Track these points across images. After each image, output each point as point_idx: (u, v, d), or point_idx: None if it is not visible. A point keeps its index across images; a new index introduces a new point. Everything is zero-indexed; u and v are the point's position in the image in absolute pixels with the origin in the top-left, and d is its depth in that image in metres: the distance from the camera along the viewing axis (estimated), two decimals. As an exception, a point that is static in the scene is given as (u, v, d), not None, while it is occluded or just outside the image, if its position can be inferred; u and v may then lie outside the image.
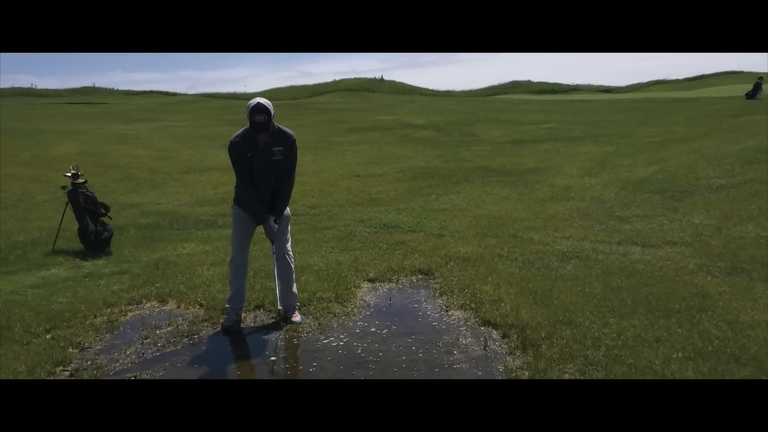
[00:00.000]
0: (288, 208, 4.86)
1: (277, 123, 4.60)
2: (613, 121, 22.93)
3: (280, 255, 4.86)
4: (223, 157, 15.74)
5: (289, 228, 4.96)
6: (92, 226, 7.10)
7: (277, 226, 4.71)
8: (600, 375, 3.61)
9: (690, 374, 3.52)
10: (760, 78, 30.87)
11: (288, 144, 4.60)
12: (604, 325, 4.33)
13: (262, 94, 54.01)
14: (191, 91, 55.16)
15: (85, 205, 7.17)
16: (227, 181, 12.80)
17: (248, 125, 4.48)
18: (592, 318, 4.48)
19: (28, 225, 8.80)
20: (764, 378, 3.44)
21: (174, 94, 54.51)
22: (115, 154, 15.10)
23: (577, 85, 58.57)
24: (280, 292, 4.90)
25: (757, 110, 21.11)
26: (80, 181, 7.30)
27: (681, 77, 57.81)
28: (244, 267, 4.94)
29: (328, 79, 71.18)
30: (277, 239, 4.78)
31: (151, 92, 55.77)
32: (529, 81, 59.88)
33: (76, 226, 7.72)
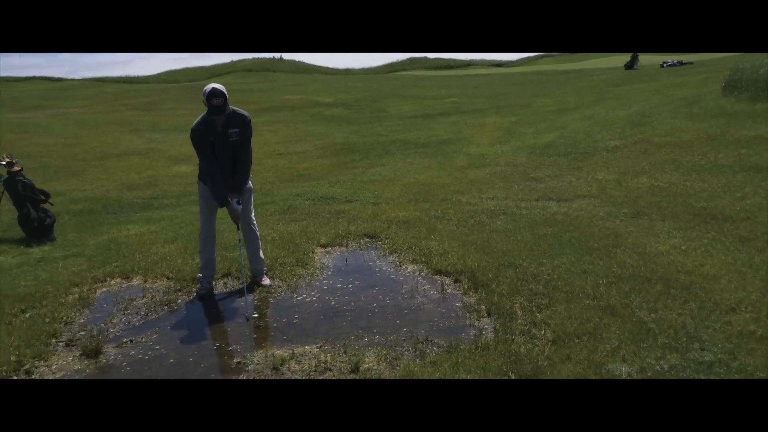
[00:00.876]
0: (250, 182, 5.23)
1: (232, 107, 4.87)
2: (511, 93, 24.34)
3: (246, 224, 5.23)
4: (139, 143, 15.57)
5: (252, 199, 5.34)
6: (34, 213, 7.06)
7: (240, 206, 5.05)
8: (544, 302, 4.33)
9: (614, 293, 4.32)
10: (637, 49, 33.55)
11: (243, 124, 4.94)
12: (540, 264, 5.08)
13: (156, 76, 52.36)
14: (73, 76, 52.15)
15: (24, 192, 7.11)
16: (149, 166, 12.74)
17: (205, 111, 4.77)
18: (528, 260, 5.22)
19: (-51, 218, 8.48)
20: (674, 291, 4.30)
21: (59, 80, 51.36)
22: (21, 143, 14.43)
23: (471, 60, 60.62)
24: (249, 259, 5.30)
25: (636, 79, 23.21)
26: (16, 168, 7.21)
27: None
28: (213, 237, 5.27)
29: (221, 59, 69.24)
30: (243, 212, 5.14)
31: (34, 78, 52.29)
32: (426, 57, 61.26)
33: (8, 216, 7.64)
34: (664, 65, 29.65)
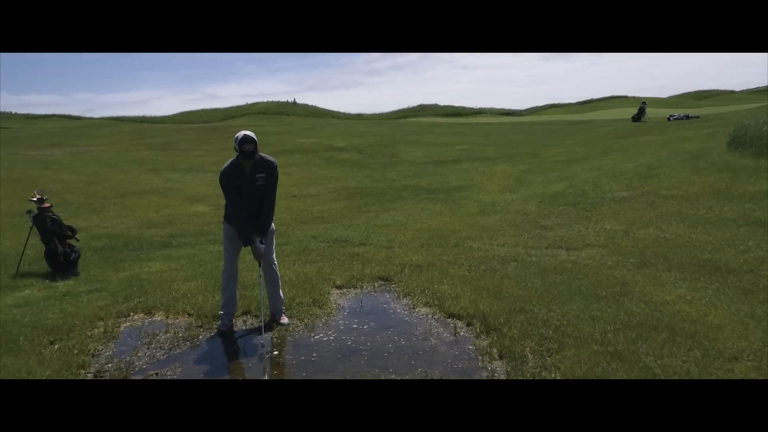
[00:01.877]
0: (273, 224, 5.50)
1: (261, 152, 5.18)
2: (521, 142, 24.80)
3: (267, 264, 5.47)
4: (157, 182, 15.96)
5: (273, 240, 5.60)
6: (60, 249, 7.34)
7: (263, 246, 5.31)
8: (554, 347, 4.51)
9: (621, 340, 4.50)
10: (644, 102, 34.28)
11: (270, 170, 5.23)
12: (549, 311, 5.27)
13: (171, 117, 53.41)
14: (90, 114, 53.40)
15: (52, 228, 7.40)
16: (167, 205, 13.07)
17: (235, 156, 5.07)
18: (538, 306, 5.41)
19: (-24, 251, 8.78)
20: (679, 339, 4.48)
21: (77, 118, 52.62)
22: (44, 180, 14.87)
23: (480, 108, 61.59)
24: (269, 297, 5.53)
25: (644, 131, 23.64)
26: (46, 205, 7.53)
27: (573, 101, 62.27)
28: (235, 276, 5.52)
29: (235, 102, 70.73)
30: (264, 254, 5.40)
31: (53, 116, 53.62)
32: (436, 105, 62.36)
33: (32, 250, 7.91)
34: (671, 118, 30.16)
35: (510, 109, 62.04)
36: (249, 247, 5.31)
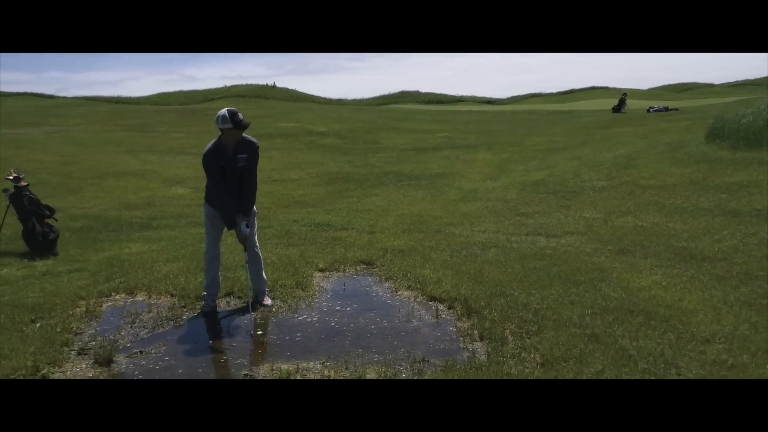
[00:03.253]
0: (255, 207, 5.50)
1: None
2: (502, 130, 24.93)
3: (250, 246, 5.47)
4: (135, 164, 15.78)
5: (255, 223, 5.61)
6: (39, 228, 7.26)
7: (248, 230, 5.31)
8: (534, 329, 4.60)
9: (599, 323, 4.61)
10: (624, 94, 34.65)
11: (252, 151, 5.23)
12: (529, 295, 5.36)
13: (147, 98, 52.65)
14: (63, 93, 52.26)
15: (29, 207, 7.31)
16: (146, 187, 12.95)
17: (217, 137, 5.07)
18: (518, 290, 5.50)
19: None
20: (654, 323, 4.60)
21: (50, 97, 51.49)
22: (18, 159, 14.56)
23: (462, 96, 61.58)
24: (252, 279, 5.55)
25: (623, 122, 23.93)
26: (23, 183, 7.43)
27: (554, 91, 62.60)
28: (218, 257, 5.52)
29: (214, 84, 69.88)
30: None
31: (24, 94, 52.40)
32: (418, 91, 62.16)
33: (8, 229, 7.81)
34: (651, 110, 30.50)
35: (491, 98, 62.14)
36: (232, 230, 5.30)
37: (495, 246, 7.28)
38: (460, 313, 5.14)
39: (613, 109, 32.39)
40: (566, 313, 4.86)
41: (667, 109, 30.72)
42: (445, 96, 60.19)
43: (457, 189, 12.00)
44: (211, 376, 4.10)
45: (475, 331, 4.70)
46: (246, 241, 5.33)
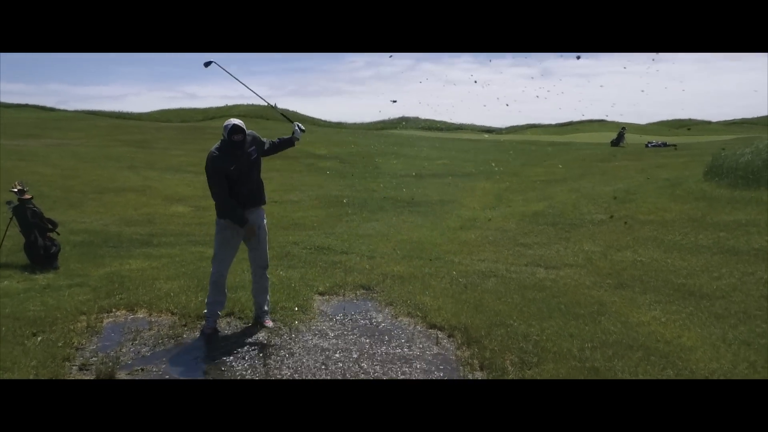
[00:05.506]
0: (267, 227, 5.56)
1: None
2: (501, 160, 25.06)
3: (263, 267, 5.52)
4: (136, 180, 15.82)
5: (267, 242, 5.65)
6: (41, 241, 7.28)
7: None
8: (534, 360, 4.62)
9: (598, 357, 4.63)
10: (623, 128, 34.95)
11: (258, 142, 5.35)
12: (529, 326, 5.38)
13: (148, 114, 52.87)
14: (64, 106, 52.54)
15: (32, 220, 7.34)
16: (146, 203, 12.98)
17: (220, 142, 5.15)
18: (518, 321, 5.52)
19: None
20: (654, 358, 4.62)
21: (51, 109, 51.65)
22: (18, 171, 14.60)
23: (461, 124, 61.95)
24: (255, 299, 5.57)
25: (622, 156, 24.14)
26: (27, 196, 7.46)
27: (552, 122, 63.03)
28: (224, 279, 5.51)
29: (215, 102, 70.03)
30: (258, 252, 5.45)
31: (26, 105, 52.55)
32: (417, 117, 62.47)
33: (9, 241, 7.81)
34: (649, 145, 30.77)
35: (490, 127, 62.47)
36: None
37: (494, 275, 7.31)
38: (460, 341, 5.15)
39: (612, 142, 32.60)
40: (566, 346, 4.88)
41: (665, 144, 30.98)
42: (445, 123, 60.47)
43: (456, 217, 12.07)
44: (212, 397, 4.09)
45: (475, 361, 4.71)
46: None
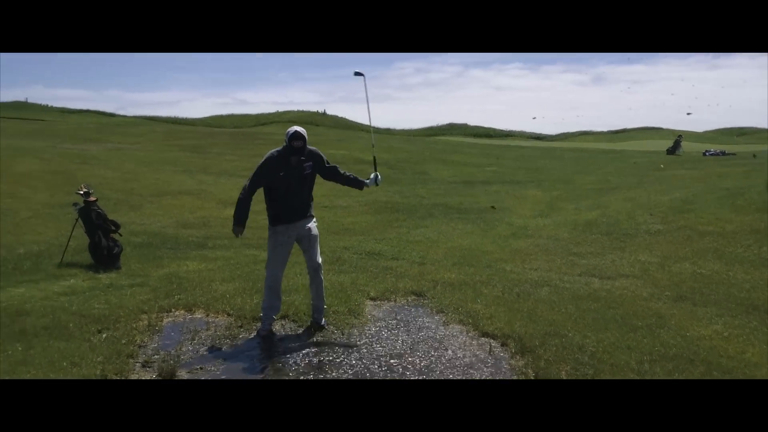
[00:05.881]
0: (317, 229, 5.65)
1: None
2: (552, 168, 24.73)
3: (315, 268, 5.61)
4: (191, 184, 16.24)
5: (318, 245, 5.74)
6: (104, 242, 7.57)
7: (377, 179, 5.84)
8: (590, 373, 4.54)
9: (658, 371, 4.52)
10: (680, 136, 33.95)
11: (317, 159, 5.47)
12: (584, 337, 5.30)
13: (202, 120, 54.21)
14: (122, 112, 54.60)
15: (97, 221, 7.63)
16: (201, 207, 13.32)
17: (282, 146, 5.28)
18: (573, 331, 5.44)
19: (21, 239, 9.07)
20: (716, 374, 4.48)
21: (111, 115, 53.65)
22: (81, 174, 15.23)
23: (510, 131, 61.35)
24: (312, 300, 5.67)
25: (678, 165, 23.44)
26: (92, 199, 7.78)
27: (605, 129, 61.75)
28: (279, 283, 5.62)
29: (266, 109, 71.24)
30: (310, 254, 5.56)
31: (87, 111, 54.70)
32: (466, 124, 62.26)
33: (74, 241, 8.14)
34: (707, 154, 29.82)
35: (540, 134, 61.69)
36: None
37: (547, 285, 7.21)
38: (513, 350, 5.10)
39: (668, 150, 31.71)
40: (623, 358, 4.78)
41: (724, 153, 29.97)
42: (494, 130, 60.04)
43: (507, 224, 11.95)
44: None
45: (530, 371, 4.67)
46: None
